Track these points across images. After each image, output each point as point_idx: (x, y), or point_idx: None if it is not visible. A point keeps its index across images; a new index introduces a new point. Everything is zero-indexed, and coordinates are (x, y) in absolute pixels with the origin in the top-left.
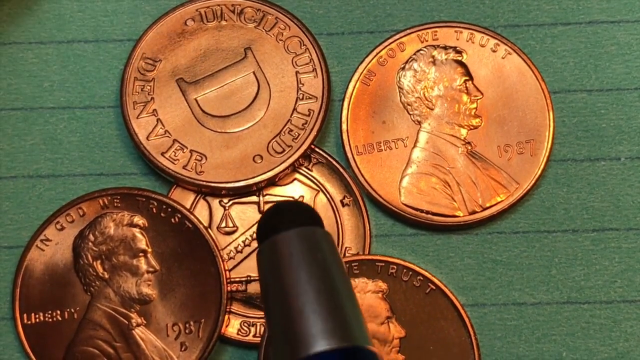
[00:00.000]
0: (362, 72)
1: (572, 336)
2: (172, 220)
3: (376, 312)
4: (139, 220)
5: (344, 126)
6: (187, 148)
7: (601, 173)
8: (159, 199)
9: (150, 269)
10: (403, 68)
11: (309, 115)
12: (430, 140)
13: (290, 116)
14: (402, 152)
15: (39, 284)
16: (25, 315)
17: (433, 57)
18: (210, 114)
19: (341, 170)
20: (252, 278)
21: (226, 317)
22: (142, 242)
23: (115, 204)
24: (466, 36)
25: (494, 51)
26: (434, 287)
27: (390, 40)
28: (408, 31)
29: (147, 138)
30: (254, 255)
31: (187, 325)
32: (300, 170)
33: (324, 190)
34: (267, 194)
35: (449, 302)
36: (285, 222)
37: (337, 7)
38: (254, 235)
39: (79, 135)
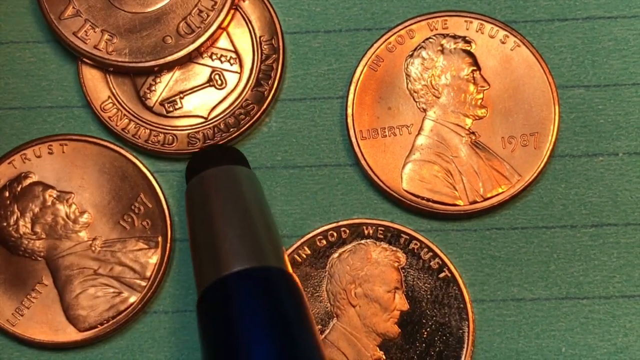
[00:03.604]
0: (370, 57)
1: (571, 331)
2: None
3: (387, 279)
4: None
5: (349, 110)
6: (97, 27)
7: (599, 168)
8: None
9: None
10: (411, 55)
11: None
12: (435, 128)
13: None
14: (406, 138)
15: None
16: None
17: (442, 45)
18: None
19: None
20: None
21: None
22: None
23: None
24: (476, 26)
25: (503, 42)
26: (448, 274)
27: (399, 27)
28: (418, 19)
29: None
30: None
31: None
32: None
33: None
34: None
35: (459, 292)
36: (212, 161)
37: (335, 5)
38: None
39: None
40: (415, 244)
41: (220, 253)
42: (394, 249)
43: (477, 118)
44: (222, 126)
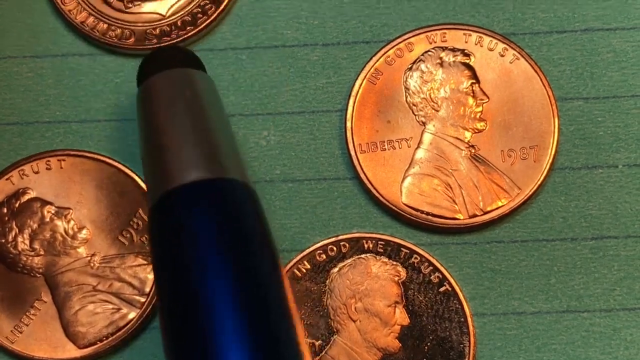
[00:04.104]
0: (369, 71)
1: (572, 345)
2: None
3: (387, 293)
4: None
5: (348, 124)
6: None
7: (599, 181)
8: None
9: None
10: (410, 68)
11: None
12: (434, 141)
13: None
14: (406, 152)
15: None
16: None
17: (441, 58)
18: None
19: None
20: None
21: None
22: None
23: None
24: (475, 39)
25: (502, 55)
26: (449, 288)
27: (398, 40)
28: (417, 32)
29: None
30: None
31: None
32: None
33: None
34: None
35: (459, 306)
36: (165, 64)
37: (333, 18)
38: None
39: None
40: (416, 258)
41: (172, 162)
42: (394, 263)
43: (476, 131)
44: (179, 24)
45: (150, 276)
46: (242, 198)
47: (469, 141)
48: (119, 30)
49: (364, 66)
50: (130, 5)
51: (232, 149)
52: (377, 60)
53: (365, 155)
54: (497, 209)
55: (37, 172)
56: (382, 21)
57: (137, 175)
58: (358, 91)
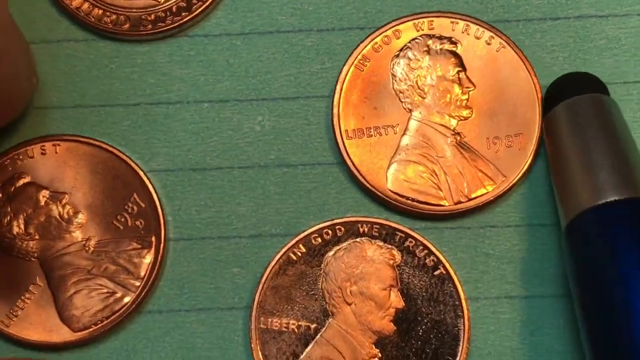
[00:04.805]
0: (356, 57)
1: (565, 328)
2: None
3: (382, 276)
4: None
5: (335, 110)
6: None
7: None
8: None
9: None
10: (397, 55)
11: None
12: (420, 128)
13: None
14: (392, 138)
15: None
16: None
17: (428, 46)
18: None
19: None
20: None
21: None
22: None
23: None
24: (462, 27)
25: (488, 44)
26: (443, 272)
27: (386, 27)
28: (405, 19)
29: None
30: None
31: None
32: None
33: None
34: None
35: (454, 290)
36: (576, 88)
37: (327, 3)
38: None
39: None
40: (410, 242)
41: (596, 181)
42: (389, 246)
43: (462, 119)
44: (174, 10)
45: (146, 260)
46: None
47: (454, 128)
48: (114, 16)
49: (352, 53)
50: None
51: None
52: (365, 47)
53: (352, 141)
54: (481, 195)
55: (32, 157)
56: (376, 7)
57: (131, 160)
58: (345, 78)
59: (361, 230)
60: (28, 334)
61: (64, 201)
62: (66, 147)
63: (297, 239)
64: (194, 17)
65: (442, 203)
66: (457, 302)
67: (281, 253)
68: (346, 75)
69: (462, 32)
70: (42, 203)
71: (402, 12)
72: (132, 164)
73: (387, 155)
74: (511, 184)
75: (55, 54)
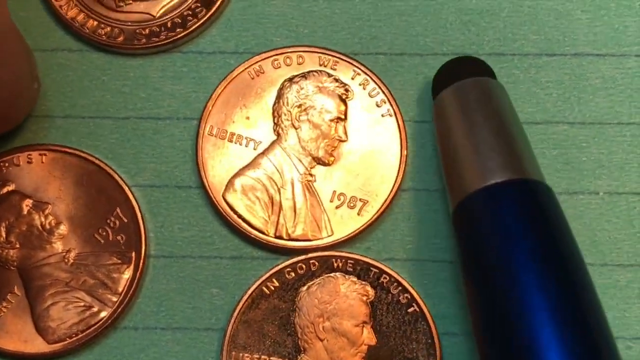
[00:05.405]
0: (251, 65)
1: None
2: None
3: (355, 313)
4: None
5: (209, 102)
6: None
7: (579, 207)
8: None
9: None
10: (291, 80)
11: None
12: (280, 155)
13: None
14: (249, 152)
15: None
16: None
17: (323, 83)
18: None
19: None
20: None
21: None
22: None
23: None
24: (361, 80)
25: (378, 106)
26: (417, 309)
27: (293, 49)
28: (314, 49)
29: None
30: None
31: None
32: None
33: None
34: None
35: (427, 328)
36: (463, 72)
37: (323, 27)
38: None
39: None
40: (385, 278)
41: (483, 163)
42: (363, 282)
43: (322, 163)
44: (169, 25)
45: (125, 275)
46: (546, 198)
47: (311, 169)
48: (108, 29)
49: (251, 58)
50: (122, 4)
51: (530, 151)
52: (263, 59)
53: (210, 138)
54: (302, 241)
55: (18, 165)
56: (372, 34)
57: (117, 174)
58: (234, 76)
59: (335, 265)
60: (3, 343)
61: (46, 211)
62: (52, 157)
63: (270, 272)
64: (189, 33)
65: (265, 231)
66: (429, 340)
67: (254, 287)
68: (236, 75)
69: (359, 85)
70: (25, 212)
71: (396, 40)
72: (117, 178)
73: (237, 165)
74: (333, 241)
75: (48, 63)
